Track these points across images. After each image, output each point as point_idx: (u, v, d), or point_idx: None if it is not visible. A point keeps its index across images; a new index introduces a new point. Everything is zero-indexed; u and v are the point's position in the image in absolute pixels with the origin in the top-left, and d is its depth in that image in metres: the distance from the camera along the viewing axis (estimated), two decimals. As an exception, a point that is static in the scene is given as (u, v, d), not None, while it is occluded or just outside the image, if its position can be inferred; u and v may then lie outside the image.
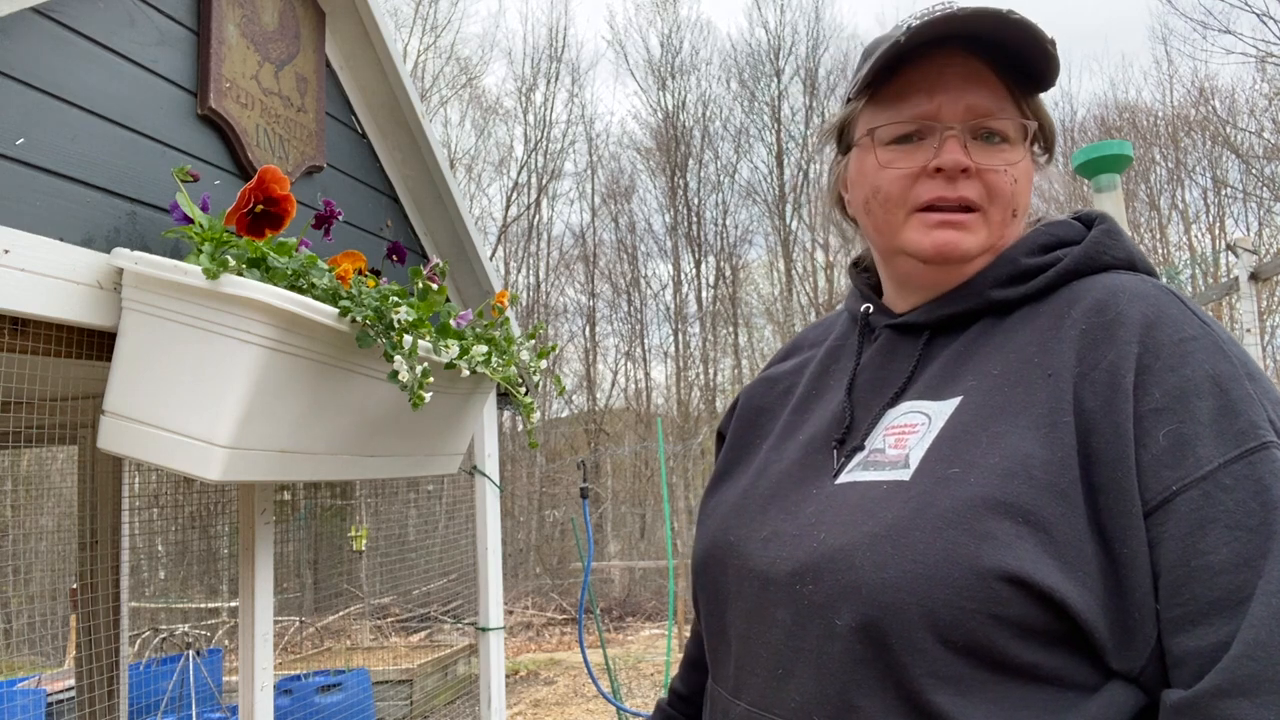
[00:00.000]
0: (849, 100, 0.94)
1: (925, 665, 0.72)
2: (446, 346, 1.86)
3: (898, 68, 0.89)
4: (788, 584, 0.81)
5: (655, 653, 8.88)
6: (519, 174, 18.35)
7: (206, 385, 1.55)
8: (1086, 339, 0.79)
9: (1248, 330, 3.67)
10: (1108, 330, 0.78)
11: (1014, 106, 0.88)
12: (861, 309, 1.00)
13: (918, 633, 0.72)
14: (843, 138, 0.97)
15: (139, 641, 5.51)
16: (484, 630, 3.08)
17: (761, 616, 0.84)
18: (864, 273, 1.04)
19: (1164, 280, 0.87)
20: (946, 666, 0.72)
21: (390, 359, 1.69)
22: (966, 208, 0.87)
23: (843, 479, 0.86)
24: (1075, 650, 0.72)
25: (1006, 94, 0.88)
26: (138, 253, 1.62)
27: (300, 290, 1.63)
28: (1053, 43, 0.84)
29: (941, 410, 0.83)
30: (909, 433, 0.84)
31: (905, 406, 0.87)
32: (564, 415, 17.99)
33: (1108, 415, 0.74)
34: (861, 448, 0.87)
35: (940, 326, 0.91)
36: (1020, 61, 0.87)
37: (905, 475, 0.80)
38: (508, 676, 6.14)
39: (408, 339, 1.71)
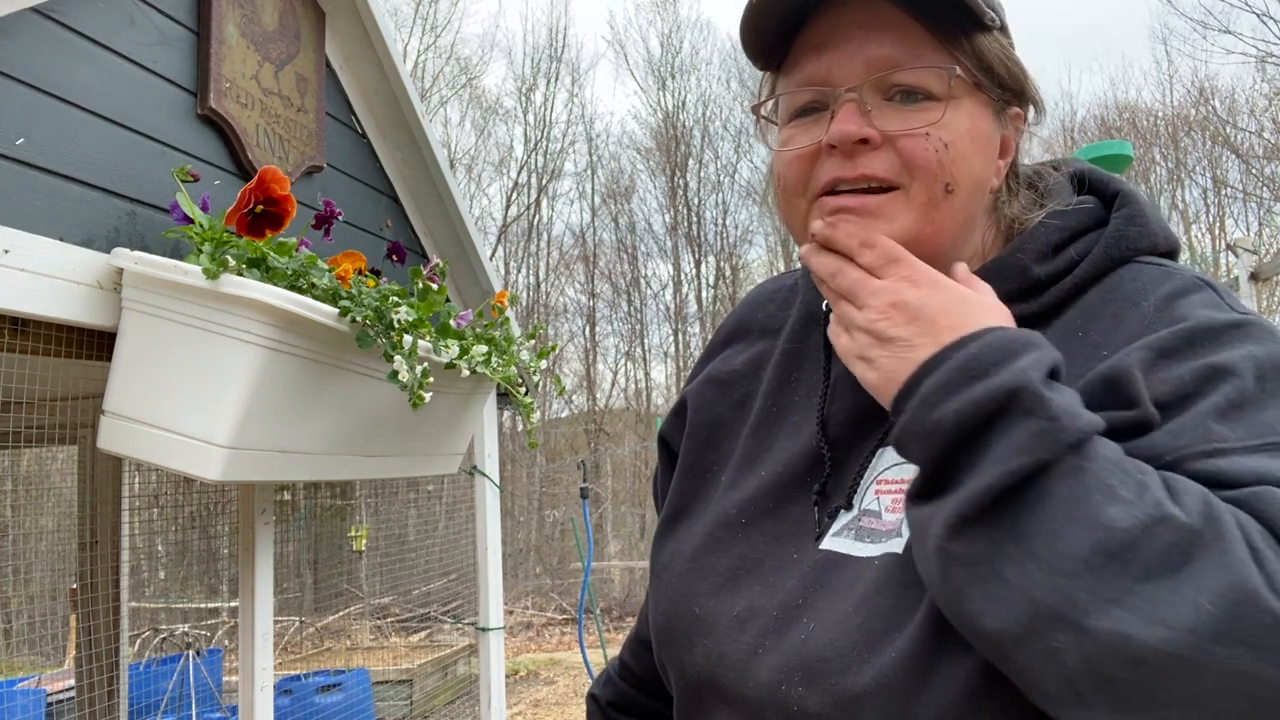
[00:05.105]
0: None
1: None
2: (446, 346, 1.86)
3: (799, 28, 0.72)
4: (773, 684, 0.67)
5: (655, 653, 8.87)
6: (519, 174, 18.36)
7: (206, 385, 1.55)
8: (1102, 349, 0.68)
9: (1248, 330, 3.67)
10: (1127, 335, 0.67)
11: (939, 51, 0.70)
12: (823, 307, 0.81)
13: None
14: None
15: (139, 641, 5.51)
16: (484, 630, 3.08)
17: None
18: None
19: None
20: None
21: (390, 359, 1.69)
22: (879, 188, 0.69)
23: (827, 544, 0.72)
24: None
25: (928, 37, 0.69)
26: (138, 253, 1.62)
27: (300, 290, 1.63)
28: None
29: None
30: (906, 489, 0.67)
31: None
32: (564, 415, 17.99)
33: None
34: (849, 506, 0.73)
35: None
36: None
37: (898, 547, 0.67)
38: (508, 676, 6.14)
39: (408, 339, 1.71)
